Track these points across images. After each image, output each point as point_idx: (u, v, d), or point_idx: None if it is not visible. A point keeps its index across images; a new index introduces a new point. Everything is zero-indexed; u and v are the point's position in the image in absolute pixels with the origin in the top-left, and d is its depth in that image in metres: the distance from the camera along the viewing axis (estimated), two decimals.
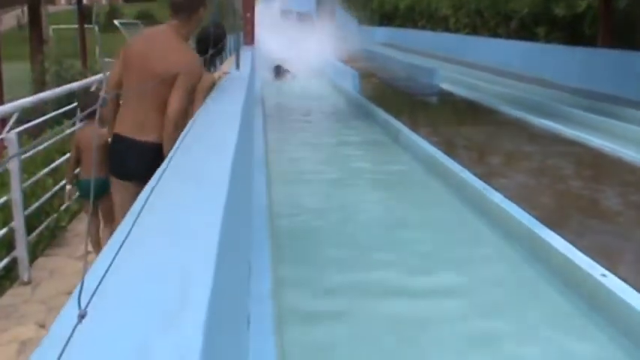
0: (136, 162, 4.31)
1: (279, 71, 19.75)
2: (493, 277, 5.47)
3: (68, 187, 5.76)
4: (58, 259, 6.11)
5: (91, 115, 4.94)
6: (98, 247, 5.51)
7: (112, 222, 5.35)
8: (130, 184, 4.25)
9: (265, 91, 16.31)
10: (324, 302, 4.98)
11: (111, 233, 5.01)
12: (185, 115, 4.38)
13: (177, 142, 3.27)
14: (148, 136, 4.31)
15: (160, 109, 4.26)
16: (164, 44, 4.38)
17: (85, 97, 7.00)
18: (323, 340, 4.39)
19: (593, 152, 10.55)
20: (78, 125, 6.36)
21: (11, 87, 14.49)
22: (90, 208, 5.38)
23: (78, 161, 5.63)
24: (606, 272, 4.81)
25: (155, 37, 4.47)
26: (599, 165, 10.02)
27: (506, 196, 6.83)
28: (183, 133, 3.50)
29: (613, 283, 4.66)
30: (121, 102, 4.60)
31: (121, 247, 1.65)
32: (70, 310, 1.26)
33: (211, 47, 5.55)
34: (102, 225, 5.65)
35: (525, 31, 24.07)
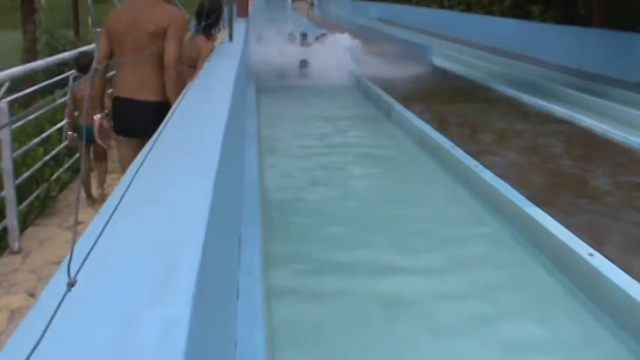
0: (139, 120, 4.72)
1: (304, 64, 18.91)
2: (481, 255, 5.50)
3: (69, 132, 6.83)
4: (48, 228, 6.11)
5: (85, 72, 6.53)
6: (87, 185, 6.92)
7: (101, 160, 7.07)
8: (134, 140, 4.70)
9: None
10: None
11: (101, 169, 7.07)
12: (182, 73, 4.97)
13: (169, 114, 3.27)
14: (149, 96, 4.77)
15: (155, 69, 4.76)
16: (149, 6, 4.83)
17: (81, 56, 7.38)
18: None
19: (584, 132, 10.56)
20: (74, 84, 7.18)
21: (2, 56, 14.40)
22: (82, 149, 6.88)
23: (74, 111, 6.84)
24: (593, 252, 4.84)
25: (138, 4, 4.89)
26: (589, 145, 10.04)
27: (496, 174, 6.86)
28: (174, 107, 3.50)
29: (600, 262, 4.69)
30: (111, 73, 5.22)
31: (110, 217, 1.66)
32: (59, 279, 1.27)
33: (206, 18, 6.39)
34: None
35: (520, 10, 23.97)
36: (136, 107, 4.81)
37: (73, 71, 7.65)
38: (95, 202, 6.81)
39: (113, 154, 6.51)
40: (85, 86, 6.26)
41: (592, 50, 17.28)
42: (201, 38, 6.53)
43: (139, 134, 4.45)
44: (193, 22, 6.71)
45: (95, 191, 7.02)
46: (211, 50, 6.44)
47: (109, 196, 2.04)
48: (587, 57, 17.22)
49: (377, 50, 21.51)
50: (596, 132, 10.42)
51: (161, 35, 4.71)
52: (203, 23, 6.39)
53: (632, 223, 6.45)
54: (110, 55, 4.93)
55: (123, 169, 4.92)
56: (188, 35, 6.09)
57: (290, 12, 40.52)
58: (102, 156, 7.06)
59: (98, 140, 5.23)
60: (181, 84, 4.80)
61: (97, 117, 5.10)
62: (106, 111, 5.19)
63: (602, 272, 4.56)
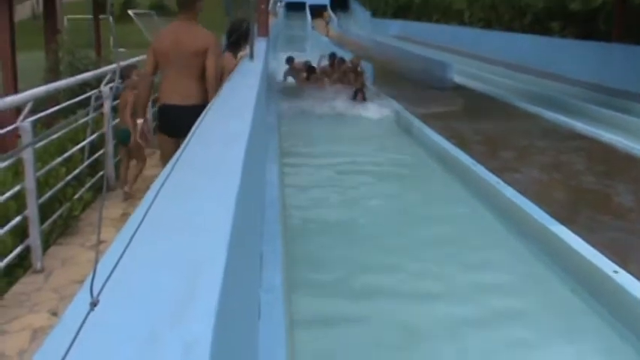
0: (184, 122, 4.96)
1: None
2: (504, 275, 5.45)
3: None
4: (71, 247, 6.14)
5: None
6: (125, 183, 7.66)
7: (140, 159, 7.77)
8: (177, 140, 5.31)
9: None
10: None
11: (140, 168, 7.77)
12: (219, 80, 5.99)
13: (191, 133, 3.28)
14: (192, 101, 5.78)
15: (196, 79, 5.83)
16: (189, 30, 5.90)
17: (125, 68, 8.22)
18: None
19: (606, 147, 10.49)
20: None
21: (26, 76, 14.54)
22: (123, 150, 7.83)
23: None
24: (618, 269, 4.79)
25: (179, 28, 5.96)
26: (612, 160, 9.96)
27: (518, 191, 6.81)
28: (195, 126, 3.52)
29: (625, 279, 4.64)
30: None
31: (133, 236, 1.66)
32: (81, 298, 1.27)
33: (228, 38, 7.58)
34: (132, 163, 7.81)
35: (540, 26, 23.95)
36: (182, 111, 5.73)
37: (95, 91, 7.72)
38: (130, 196, 7.52)
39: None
40: (128, 94, 7.52)
41: (613, 65, 17.19)
42: (228, 55, 7.26)
43: (183, 133, 4.59)
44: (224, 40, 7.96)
45: (128, 187, 7.62)
46: (235, 66, 7.13)
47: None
48: (608, 72, 17.12)
49: (396, 68, 21.52)
50: (617, 147, 10.35)
51: (200, 54, 5.79)
52: (229, 42, 7.40)
53: None
54: (155, 70, 6.01)
55: (165, 163, 5.18)
56: None
57: (310, 31, 40.63)
58: (140, 155, 7.77)
59: (139, 140, 6.44)
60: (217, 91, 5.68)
61: (139, 121, 6.27)
62: (147, 116, 6.31)
63: (627, 289, 4.51)
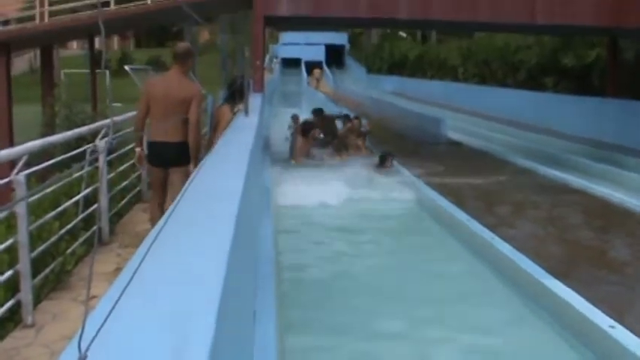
0: (169, 155, 6.86)
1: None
2: (501, 330, 5.40)
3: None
4: (63, 302, 6.08)
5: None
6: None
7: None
8: (164, 169, 6.96)
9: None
10: None
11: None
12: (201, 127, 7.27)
13: (185, 187, 3.28)
14: (175, 138, 6.82)
15: (180, 121, 6.73)
16: (178, 80, 6.92)
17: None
18: None
19: (601, 202, 10.51)
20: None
21: (22, 129, 14.60)
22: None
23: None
24: (615, 324, 4.75)
25: (170, 77, 7.04)
26: (607, 215, 9.97)
27: (514, 247, 6.78)
28: (190, 179, 3.52)
29: (622, 334, 4.60)
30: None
31: (123, 291, 1.64)
32: (69, 354, 1.25)
33: (230, 91, 9.00)
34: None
35: (533, 82, 24.18)
36: (168, 146, 6.83)
37: (90, 145, 7.74)
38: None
39: None
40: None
41: (607, 120, 17.32)
42: (225, 107, 8.52)
43: (167, 165, 6.88)
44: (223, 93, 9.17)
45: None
46: (231, 118, 8.17)
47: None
48: (603, 127, 17.26)
49: (391, 124, 21.64)
50: (612, 201, 10.37)
51: (186, 101, 6.78)
52: (227, 95, 8.73)
53: None
54: (148, 111, 6.91)
55: (153, 189, 7.35)
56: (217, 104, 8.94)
57: (305, 87, 40.99)
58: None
59: (136, 163, 7.54)
60: (198, 135, 6.99)
61: (137, 149, 7.25)
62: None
63: (623, 344, 4.47)
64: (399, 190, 10.63)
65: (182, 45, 7.55)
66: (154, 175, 7.29)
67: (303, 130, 13.91)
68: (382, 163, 12.62)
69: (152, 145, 7.10)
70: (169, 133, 6.77)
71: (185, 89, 6.87)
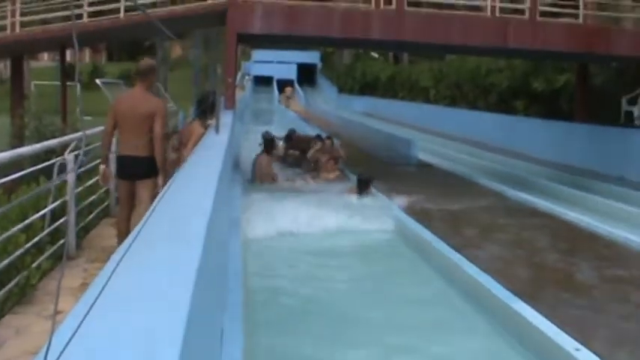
0: (137, 169, 7.11)
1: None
2: (467, 350, 5.42)
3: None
4: (27, 317, 5.99)
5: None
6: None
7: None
8: (131, 182, 7.21)
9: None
10: None
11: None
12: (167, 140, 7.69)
13: (155, 203, 3.26)
14: (143, 153, 7.05)
15: (147, 136, 6.96)
16: (143, 97, 7.23)
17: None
18: None
19: (568, 225, 10.61)
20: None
21: None
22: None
23: None
24: (580, 346, 4.79)
25: (135, 94, 7.38)
26: (574, 238, 10.06)
27: (481, 269, 6.82)
28: (159, 197, 3.51)
29: (587, 357, 4.64)
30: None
31: (91, 307, 1.63)
32: None
33: (201, 107, 9.20)
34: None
35: (504, 104, 24.42)
36: (135, 160, 7.08)
37: (59, 158, 7.67)
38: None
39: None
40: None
41: (575, 144, 17.55)
42: (197, 123, 8.86)
43: (135, 178, 7.13)
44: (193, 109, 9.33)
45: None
46: (202, 134, 8.45)
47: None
48: (571, 151, 17.49)
49: (361, 145, 21.69)
50: (580, 225, 10.47)
51: (151, 116, 7.02)
52: (198, 111, 8.97)
53: (618, 316, 6.41)
54: (115, 126, 7.25)
55: (121, 203, 7.52)
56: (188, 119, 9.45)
57: (277, 105, 41.06)
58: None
59: (100, 181, 7.74)
60: (163, 148, 7.21)
61: (102, 167, 7.43)
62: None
63: None
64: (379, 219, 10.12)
65: (144, 62, 7.84)
66: (121, 188, 7.52)
67: (266, 146, 13.37)
68: (361, 188, 11.70)
69: (121, 159, 7.37)
70: (137, 147, 6.98)
71: (150, 104, 7.16)
